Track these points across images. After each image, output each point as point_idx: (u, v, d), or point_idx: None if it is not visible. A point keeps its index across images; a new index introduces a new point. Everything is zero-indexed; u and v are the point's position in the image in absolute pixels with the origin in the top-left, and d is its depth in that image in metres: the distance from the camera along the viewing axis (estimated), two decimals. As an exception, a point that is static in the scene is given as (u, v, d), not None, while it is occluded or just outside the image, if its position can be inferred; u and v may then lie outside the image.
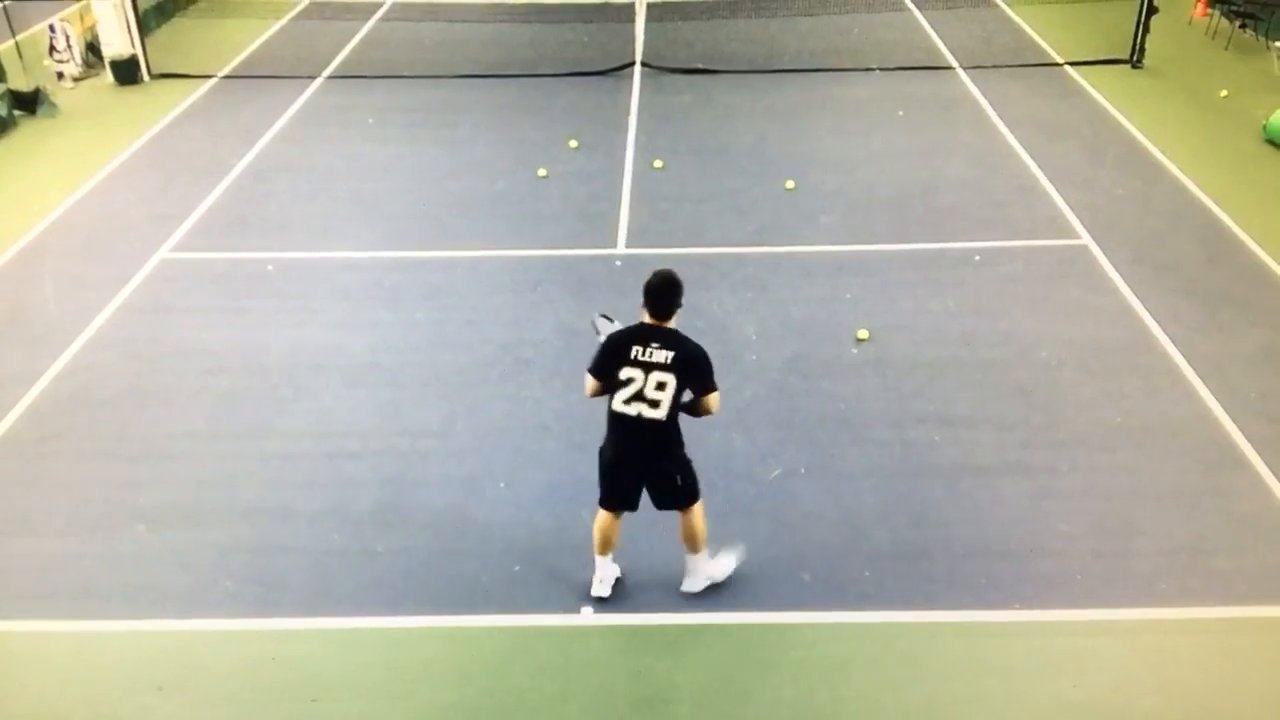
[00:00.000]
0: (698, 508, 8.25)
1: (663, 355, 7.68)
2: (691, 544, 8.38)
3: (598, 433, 10.31)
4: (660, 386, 7.67)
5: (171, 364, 11.61)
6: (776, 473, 9.86)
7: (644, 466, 8.08)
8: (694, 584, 8.53)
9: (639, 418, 7.74)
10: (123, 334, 12.17)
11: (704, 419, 7.98)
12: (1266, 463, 9.81)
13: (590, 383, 8.00)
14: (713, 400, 7.87)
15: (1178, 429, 10.34)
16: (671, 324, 7.84)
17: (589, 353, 10.58)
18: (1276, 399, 10.71)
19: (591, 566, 8.51)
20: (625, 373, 7.72)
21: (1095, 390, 10.90)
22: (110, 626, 8.43)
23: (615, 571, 8.59)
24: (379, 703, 7.75)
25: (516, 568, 8.86)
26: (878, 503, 9.49)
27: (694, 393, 7.81)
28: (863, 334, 11.77)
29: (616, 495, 8.24)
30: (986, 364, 11.34)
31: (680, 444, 8.04)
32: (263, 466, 10.10)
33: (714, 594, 8.56)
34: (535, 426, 10.55)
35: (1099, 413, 10.56)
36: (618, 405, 7.78)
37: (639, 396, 7.71)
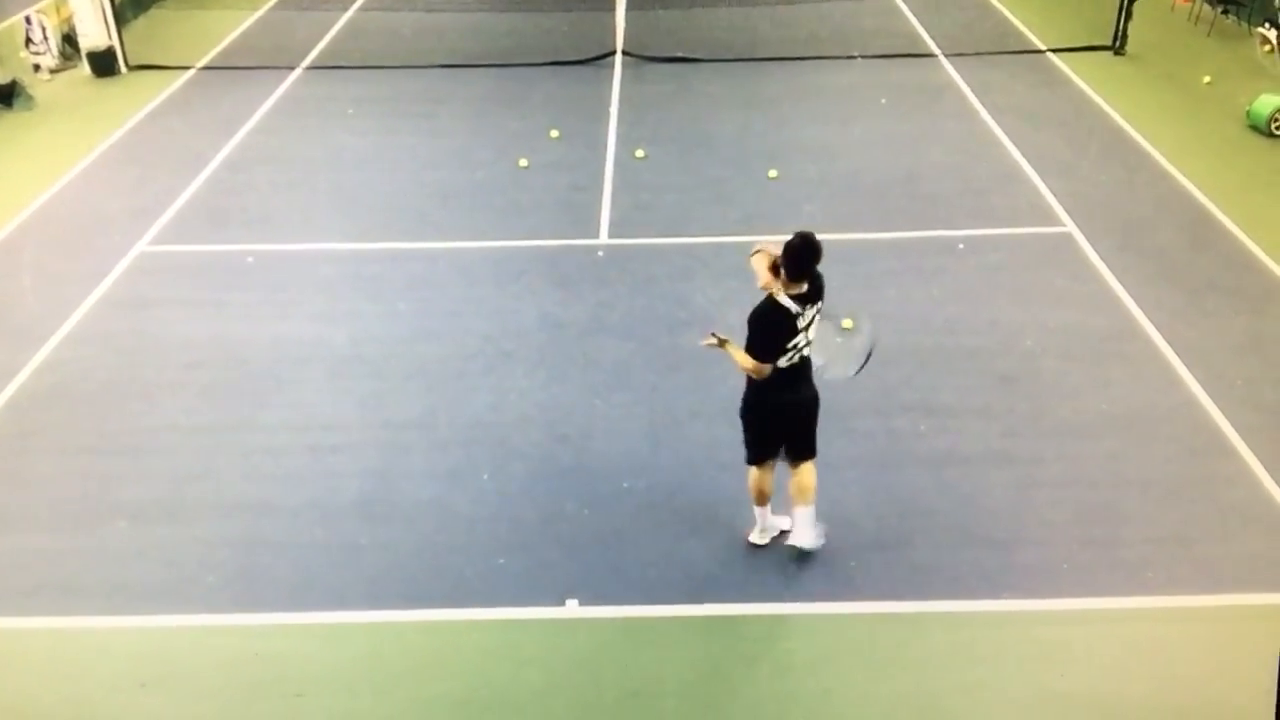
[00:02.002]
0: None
1: (812, 310, 8.08)
2: (808, 495, 8.63)
3: (581, 424, 10.35)
4: (809, 341, 8.18)
5: (151, 358, 11.53)
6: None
7: (806, 407, 8.47)
8: (809, 537, 8.70)
9: (804, 367, 8.29)
10: (102, 328, 12.08)
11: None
12: (1252, 450, 9.81)
13: (766, 368, 8.08)
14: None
15: (1163, 417, 10.33)
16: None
17: (572, 344, 10.61)
18: (1262, 386, 10.72)
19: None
20: (792, 342, 8.01)
21: (1080, 378, 10.89)
22: (92, 623, 8.38)
23: (777, 522, 8.95)
24: (363, 697, 7.71)
25: (501, 560, 8.82)
26: (863, 493, 9.48)
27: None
28: (847, 323, 11.67)
29: (771, 446, 8.59)
30: (971, 352, 11.33)
31: None
32: (244, 460, 10.04)
33: (700, 585, 8.54)
34: (518, 418, 10.51)
35: (1084, 401, 10.55)
36: (783, 363, 8.06)
37: (803, 348, 8.14)
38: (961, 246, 13.33)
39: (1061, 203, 14.32)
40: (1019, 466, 9.75)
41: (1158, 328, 11.56)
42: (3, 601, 8.59)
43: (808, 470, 8.58)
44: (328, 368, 11.33)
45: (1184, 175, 15.02)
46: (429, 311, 12.30)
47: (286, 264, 13.38)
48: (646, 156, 16.13)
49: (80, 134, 17.39)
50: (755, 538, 8.90)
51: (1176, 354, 11.15)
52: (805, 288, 7.96)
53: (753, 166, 15.70)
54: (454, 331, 11.91)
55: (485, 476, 9.75)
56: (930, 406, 10.54)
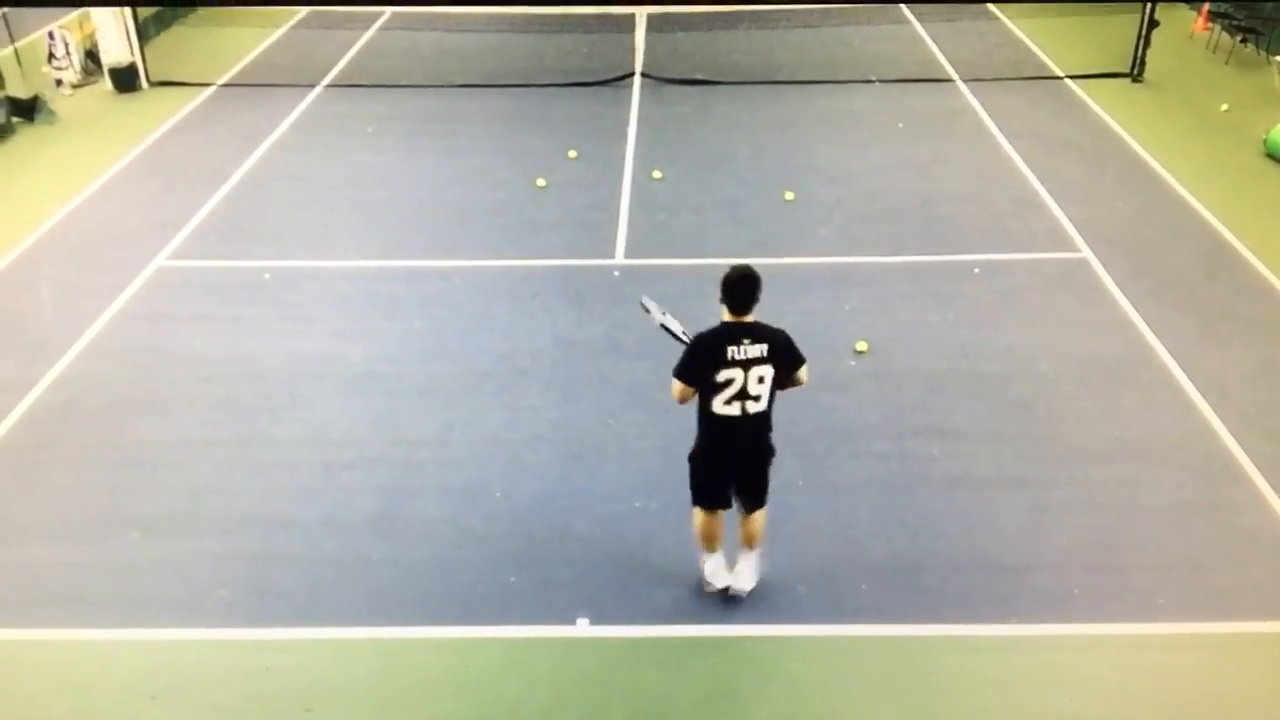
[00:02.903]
0: (765, 509, 8.40)
1: (758, 349, 7.67)
2: (753, 542, 8.45)
3: (595, 444, 10.32)
4: (761, 380, 7.70)
5: (167, 372, 11.57)
6: (772, 485, 9.81)
7: (747, 461, 8.13)
8: (748, 582, 8.52)
9: (744, 414, 7.77)
10: (119, 342, 12.14)
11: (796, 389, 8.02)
12: (1265, 477, 9.78)
13: (679, 387, 7.85)
14: (803, 373, 7.94)
15: (1176, 443, 10.31)
16: (751, 318, 7.80)
17: (586, 363, 10.60)
18: (1275, 413, 10.68)
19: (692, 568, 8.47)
20: (723, 374, 7.67)
21: (1094, 404, 10.87)
22: (103, 635, 8.39)
23: (723, 562, 8.60)
24: (373, 713, 7.71)
25: (512, 578, 8.82)
26: (875, 515, 9.46)
27: (786, 372, 7.84)
28: (861, 346, 11.74)
29: (716, 495, 8.28)
30: (985, 377, 11.31)
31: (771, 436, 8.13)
32: (258, 475, 10.07)
33: (710, 606, 8.52)
34: (532, 437, 10.52)
35: (1097, 426, 10.53)
36: (719, 407, 7.77)
37: (742, 394, 7.72)
38: (977, 271, 13.33)
39: (1078, 228, 14.31)
40: (1031, 491, 9.72)
41: (1172, 354, 11.54)
42: (14, 612, 8.62)
43: (755, 520, 8.40)
44: (342, 384, 11.36)
45: (1200, 203, 15.00)
46: (444, 329, 12.33)
47: (304, 280, 13.43)
48: (663, 177, 16.16)
49: (101, 149, 17.50)
50: (709, 585, 8.60)
51: (1190, 381, 11.12)
52: (750, 321, 7.78)
53: (769, 189, 15.72)
54: (469, 349, 11.94)
55: (498, 494, 9.77)
56: (943, 430, 10.53)
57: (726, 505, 8.34)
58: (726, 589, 8.52)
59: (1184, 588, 8.66)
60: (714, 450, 8.08)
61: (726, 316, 7.80)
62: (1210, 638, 8.25)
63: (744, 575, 8.50)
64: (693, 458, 8.23)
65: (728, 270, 7.84)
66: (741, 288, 7.76)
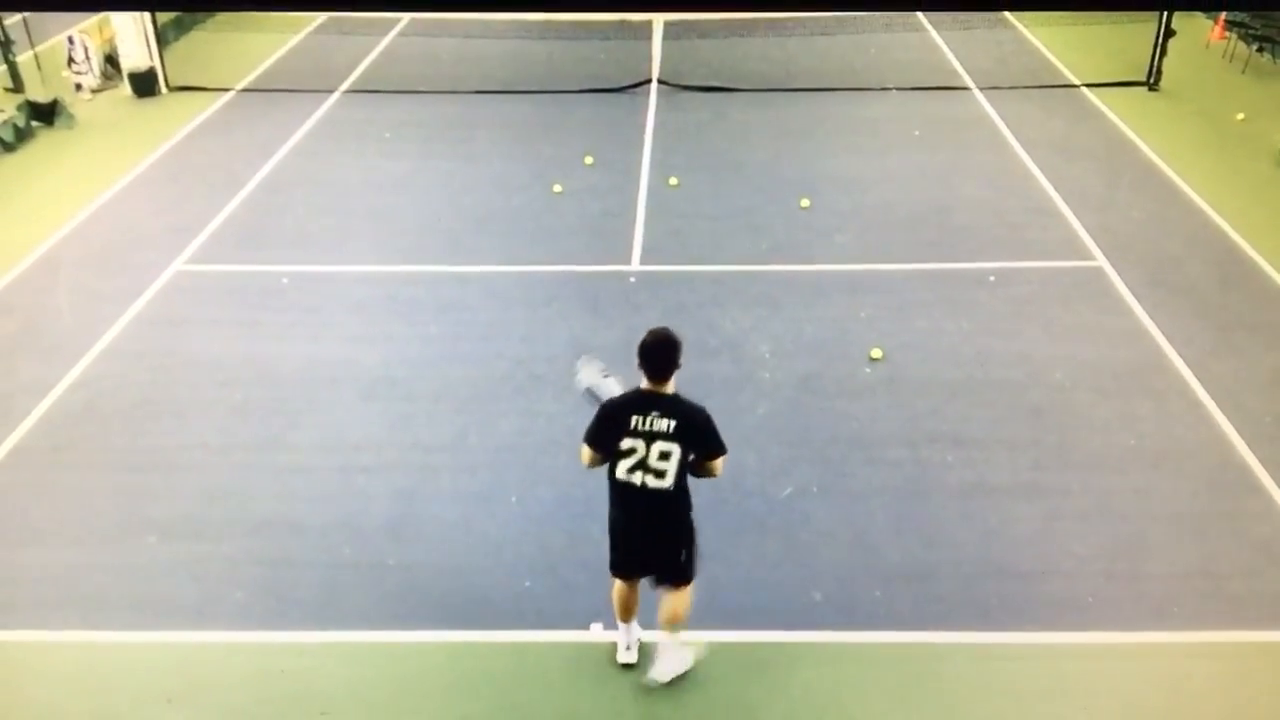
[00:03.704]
0: (691, 586, 7.74)
1: (664, 423, 7.12)
2: (673, 624, 7.83)
3: (609, 449, 10.29)
4: (664, 456, 7.14)
5: (184, 376, 11.63)
6: (788, 491, 9.85)
7: (651, 536, 7.53)
8: (665, 670, 7.94)
9: (643, 487, 7.21)
10: (136, 345, 12.20)
11: (708, 480, 7.55)
12: (1280, 487, 9.79)
13: (586, 452, 7.41)
14: (718, 464, 7.37)
15: (1191, 452, 10.30)
16: (670, 387, 7.25)
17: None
18: (1291, 423, 10.69)
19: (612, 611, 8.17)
20: (626, 443, 7.17)
21: (1109, 412, 10.86)
22: (120, 637, 8.44)
23: (639, 634, 8.14)
24: (387, 717, 7.75)
25: (527, 583, 8.85)
26: (890, 522, 9.48)
27: (699, 457, 7.28)
28: (876, 353, 11.75)
29: (629, 563, 7.73)
30: (1000, 385, 11.32)
31: (688, 512, 7.56)
32: (274, 479, 10.12)
33: (724, 611, 8.53)
34: (547, 442, 10.55)
35: (1112, 435, 10.53)
36: (621, 474, 7.25)
37: (642, 465, 7.18)
38: (993, 279, 13.33)
39: (1093, 237, 14.30)
40: (1046, 499, 9.73)
41: (1187, 363, 11.53)
42: (31, 614, 8.68)
43: (679, 597, 7.75)
44: (359, 389, 11.40)
45: (1216, 211, 14.98)
46: (461, 334, 12.38)
47: (321, 285, 13.48)
48: (680, 184, 16.18)
49: (120, 153, 17.59)
50: (621, 656, 8.13)
51: (1206, 390, 11.11)
52: (666, 392, 7.24)
53: (785, 196, 15.73)
54: (485, 355, 11.97)
55: (513, 499, 9.80)
56: (958, 437, 10.53)
57: (640, 575, 7.78)
58: (632, 665, 8.08)
59: (1198, 596, 8.66)
60: (618, 518, 7.53)
61: (643, 383, 7.26)
62: (1225, 646, 8.25)
63: (660, 662, 7.96)
64: (609, 517, 7.62)
65: (645, 335, 7.26)
66: (655, 353, 7.18)
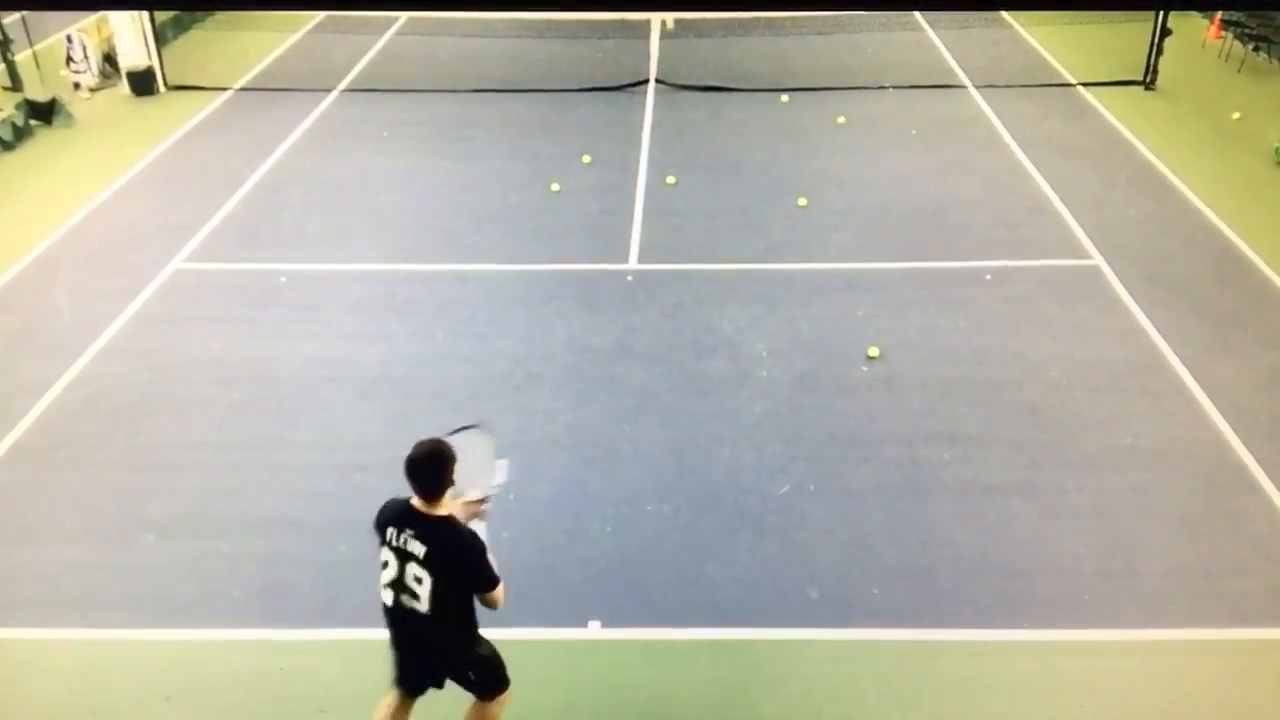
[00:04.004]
0: (502, 698, 7.03)
1: (418, 547, 6.35)
2: None
3: (608, 447, 10.38)
4: (419, 580, 6.38)
5: (183, 374, 11.65)
6: (785, 489, 9.87)
7: (425, 660, 6.82)
8: None
9: (399, 606, 6.49)
10: (135, 344, 12.22)
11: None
12: (1276, 485, 9.80)
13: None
14: (495, 596, 6.51)
15: (1187, 450, 10.33)
16: (441, 508, 6.44)
17: (599, 367, 10.60)
18: (1287, 421, 10.72)
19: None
20: (383, 554, 6.49)
21: (1105, 411, 10.89)
22: (118, 635, 8.47)
23: None
24: (386, 714, 7.76)
25: (525, 581, 8.85)
26: (886, 520, 9.50)
27: (460, 587, 6.47)
28: (873, 351, 11.78)
29: (402, 676, 6.94)
30: (997, 383, 11.34)
31: (467, 641, 6.78)
32: (273, 477, 10.14)
33: (723, 609, 8.56)
34: (545, 440, 10.57)
35: (1109, 433, 10.56)
36: (379, 586, 6.56)
37: (398, 585, 6.45)
38: (989, 277, 13.35)
39: (1089, 236, 14.32)
40: (1042, 497, 9.75)
41: (1184, 362, 11.56)
42: (31, 613, 8.70)
43: (481, 709, 7.07)
44: (357, 387, 11.42)
45: (1212, 210, 15.00)
46: (458, 333, 12.39)
47: (319, 284, 13.50)
48: (677, 183, 16.20)
49: (118, 152, 17.59)
50: None
51: (1202, 388, 11.14)
52: (431, 512, 6.44)
53: (782, 195, 15.75)
54: (483, 353, 11.99)
55: (511, 497, 9.77)
56: (955, 436, 10.56)
57: (419, 692, 7.00)
58: None
59: (1194, 594, 8.69)
60: (389, 631, 6.78)
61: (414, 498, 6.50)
62: (1220, 644, 8.28)
63: None
64: None
65: (414, 446, 6.49)
66: (418, 468, 6.41)
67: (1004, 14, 24.78)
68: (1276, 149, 16.63)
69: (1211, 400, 10.96)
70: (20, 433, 10.76)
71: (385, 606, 6.56)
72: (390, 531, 6.46)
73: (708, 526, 9.46)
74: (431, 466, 6.39)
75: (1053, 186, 15.88)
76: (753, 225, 14.94)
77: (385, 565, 6.48)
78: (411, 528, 6.40)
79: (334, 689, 7.98)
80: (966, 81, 20.63)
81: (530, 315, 12.72)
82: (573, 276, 13.63)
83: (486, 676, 6.91)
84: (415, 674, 6.89)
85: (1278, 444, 10.35)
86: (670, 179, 16.29)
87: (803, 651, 8.27)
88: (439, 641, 6.65)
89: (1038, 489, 9.86)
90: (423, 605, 6.40)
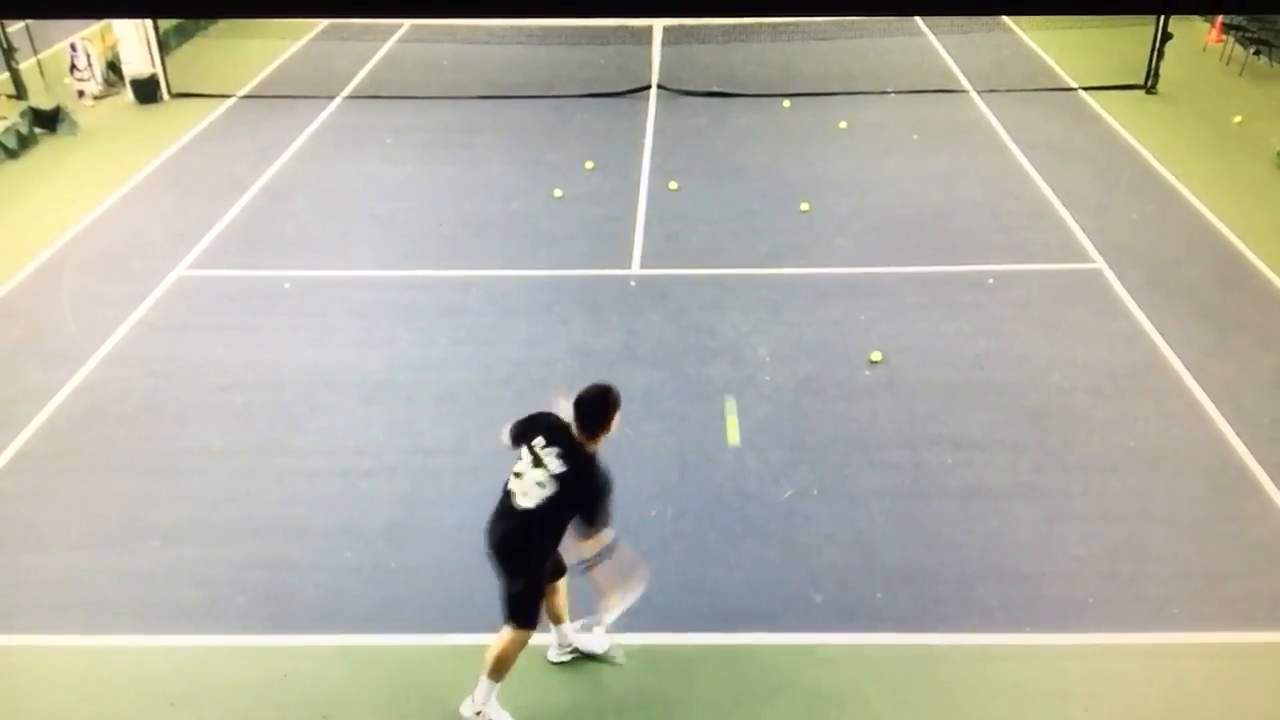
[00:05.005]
0: (517, 636, 7.50)
1: (556, 464, 7.09)
2: (486, 664, 7.60)
3: (610, 452, 10.34)
4: (540, 485, 7.08)
5: (187, 380, 11.67)
6: (789, 494, 9.88)
7: (501, 547, 7.36)
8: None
9: (510, 505, 7.22)
10: (139, 350, 12.24)
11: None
12: (1279, 488, 9.80)
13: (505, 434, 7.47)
14: (601, 536, 7.08)
15: (1190, 453, 10.34)
16: (594, 445, 7.21)
17: (602, 372, 10.59)
18: (1289, 424, 10.72)
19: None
20: (521, 456, 7.24)
21: (1108, 414, 10.90)
22: (123, 641, 8.49)
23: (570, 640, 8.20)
24: None
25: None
26: (890, 524, 9.51)
27: (578, 515, 7.09)
28: (876, 356, 11.79)
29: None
30: (999, 387, 11.35)
31: (540, 558, 7.44)
32: (277, 483, 10.16)
33: (726, 614, 8.58)
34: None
35: (1111, 436, 10.56)
36: (509, 475, 7.28)
37: (522, 481, 7.17)
38: (991, 281, 13.36)
39: (1091, 239, 14.34)
40: (1045, 501, 9.76)
41: (1186, 365, 11.57)
42: (35, 619, 8.71)
43: (500, 637, 7.57)
44: (361, 393, 11.44)
45: (1214, 214, 15.01)
46: (462, 339, 12.41)
47: (322, 290, 13.53)
48: (679, 188, 16.22)
49: (122, 159, 17.63)
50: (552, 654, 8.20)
51: (1204, 391, 11.15)
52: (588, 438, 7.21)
53: (785, 200, 15.76)
54: (486, 359, 12.01)
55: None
56: (958, 440, 10.57)
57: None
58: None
59: (1198, 597, 8.70)
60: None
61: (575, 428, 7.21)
62: (1224, 647, 8.29)
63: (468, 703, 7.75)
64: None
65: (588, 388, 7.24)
66: (579, 407, 7.20)
67: (1005, 18, 24.79)
68: (1278, 152, 16.63)
69: (1214, 403, 10.97)
70: (25, 439, 10.78)
71: (496, 513, 7.33)
72: (539, 440, 7.16)
73: (711, 531, 9.48)
74: (597, 409, 7.14)
75: (1054, 190, 15.89)
76: (755, 230, 14.95)
77: (518, 466, 7.20)
78: (559, 446, 7.12)
79: (338, 695, 7.99)
80: (968, 86, 20.64)
81: (533, 321, 12.74)
82: (575, 282, 13.65)
83: (521, 604, 7.44)
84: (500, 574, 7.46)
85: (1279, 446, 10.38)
86: (673, 184, 16.31)
87: (806, 656, 8.28)
88: (522, 536, 7.25)
89: (1041, 492, 9.87)
90: (530, 502, 7.09)
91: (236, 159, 17.61)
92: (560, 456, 7.08)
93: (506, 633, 7.49)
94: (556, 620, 8.09)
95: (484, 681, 7.60)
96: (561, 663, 8.24)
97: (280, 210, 15.83)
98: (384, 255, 14.39)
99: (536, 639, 7.79)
